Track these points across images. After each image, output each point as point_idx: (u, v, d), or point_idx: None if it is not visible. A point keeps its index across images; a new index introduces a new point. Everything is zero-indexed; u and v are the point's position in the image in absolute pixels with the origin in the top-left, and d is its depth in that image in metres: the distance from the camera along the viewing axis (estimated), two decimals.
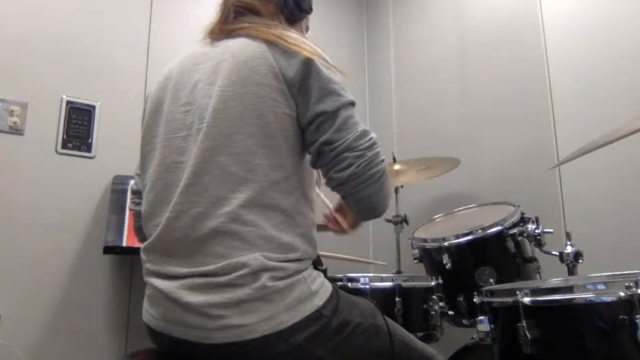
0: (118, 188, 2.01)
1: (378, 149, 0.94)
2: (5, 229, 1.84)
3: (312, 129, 0.93)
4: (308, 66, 0.92)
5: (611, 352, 0.89)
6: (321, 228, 1.13)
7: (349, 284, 1.48)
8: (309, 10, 1.15)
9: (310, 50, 0.95)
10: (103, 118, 2.10)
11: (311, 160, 0.97)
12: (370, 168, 0.92)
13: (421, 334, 1.46)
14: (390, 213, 2.14)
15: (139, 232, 1.13)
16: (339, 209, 1.15)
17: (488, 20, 2.42)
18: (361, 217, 1.05)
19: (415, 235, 1.83)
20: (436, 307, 1.50)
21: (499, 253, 1.57)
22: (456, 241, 1.61)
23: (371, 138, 0.94)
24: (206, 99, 0.94)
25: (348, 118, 0.93)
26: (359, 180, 0.91)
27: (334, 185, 0.95)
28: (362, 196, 0.94)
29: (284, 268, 0.88)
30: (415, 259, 1.77)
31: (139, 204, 1.12)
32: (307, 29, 1.20)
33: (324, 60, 0.96)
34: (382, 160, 0.95)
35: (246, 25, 1.01)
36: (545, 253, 1.53)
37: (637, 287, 0.86)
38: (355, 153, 0.91)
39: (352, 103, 0.95)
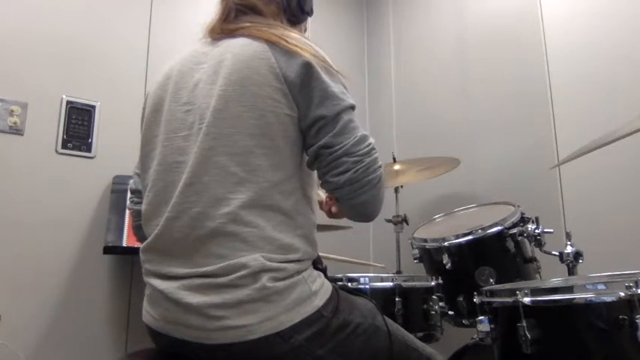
0: (118, 188, 2.01)
1: (376, 155, 0.94)
2: (5, 229, 1.84)
3: (313, 132, 0.93)
4: (309, 68, 0.92)
5: (611, 352, 0.89)
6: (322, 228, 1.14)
7: (349, 284, 1.48)
8: (310, 12, 1.15)
9: (311, 52, 0.94)
10: (103, 118, 2.10)
11: (307, 163, 0.97)
12: (368, 174, 0.91)
13: (421, 334, 1.46)
14: (390, 213, 2.15)
15: (138, 231, 1.13)
16: (331, 197, 1.18)
17: (489, 20, 2.42)
18: (353, 219, 1.04)
19: (415, 235, 1.83)
20: (436, 307, 1.50)
21: (499, 253, 1.57)
22: (456, 241, 1.61)
23: (370, 143, 0.93)
24: (207, 99, 0.94)
25: (348, 122, 0.93)
26: (356, 185, 0.91)
27: (330, 189, 0.94)
28: (357, 202, 0.93)
29: (284, 268, 0.88)
30: (415, 259, 1.77)
31: (137, 203, 1.12)
32: (305, 31, 1.20)
33: (325, 62, 0.95)
34: (380, 167, 0.94)
35: (248, 24, 1.01)
36: (545, 253, 1.53)
37: (637, 287, 0.86)
38: (353, 158, 0.91)
39: (352, 107, 0.95)
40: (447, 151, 2.26)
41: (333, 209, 1.19)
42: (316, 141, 0.93)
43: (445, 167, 2.17)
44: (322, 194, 1.22)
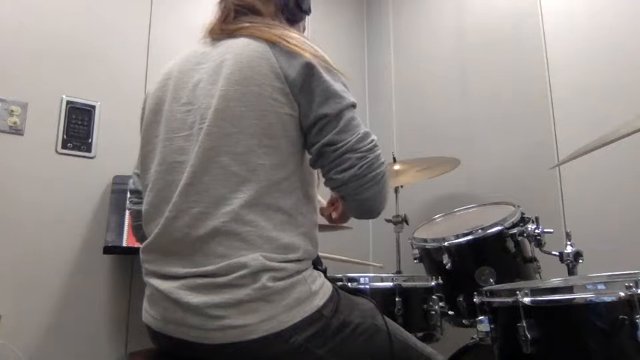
0: (118, 188, 2.01)
1: (379, 151, 0.95)
2: (5, 229, 1.84)
3: (315, 131, 0.93)
4: (310, 68, 0.93)
5: (611, 352, 0.89)
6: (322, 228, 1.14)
7: (349, 284, 1.48)
8: (308, 11, 1.15)
9: (312, 52, 0.95)
10: (103, 118, 2.10)
11: (311, 161, 0.97)
12: (372, 170, 0.92)
13: (421, 334, 1.46)
14: (390, 213, 2.15)
15: (137, 232, 1.13)
16: (332, 203, 1.19)
17: (489, 20, 2.42)
18: (358, 217, 1.05)
19: (415, 235, 1.83)
20: (436, 307, 1.50)
21: (499, 253, 1.57)
22: (456, 241, 1.61)
23: (373, 140, 0.94)
24: (208, 99, 0.94)
25: (351, 120, 0.93)
26: (361, 182, 0.91)
27: (335, 186, 0.95)
28: (363, 198, 0.94)
29: (284, 268, 0.88)
30: (415, 259, 1.77)
31: (136, 203, 1.12)
32: (304, 30, 1.20)
33: (326, 62, 0.96)
34: (383, 163, 0.95)
35: (247, 24, 1.01)
36: (545, 253, 1.53)
37: (637, 287, 0.86)
38: (357, 154, 0.91)
39: (354, 105, 0.96)
40: (447, 151, 2.26)
41: (334, 215, 1.20)
42: (319, 139, 0.93)
43: (445, 167, 2.17)
44: (322, 200, 1.23)
